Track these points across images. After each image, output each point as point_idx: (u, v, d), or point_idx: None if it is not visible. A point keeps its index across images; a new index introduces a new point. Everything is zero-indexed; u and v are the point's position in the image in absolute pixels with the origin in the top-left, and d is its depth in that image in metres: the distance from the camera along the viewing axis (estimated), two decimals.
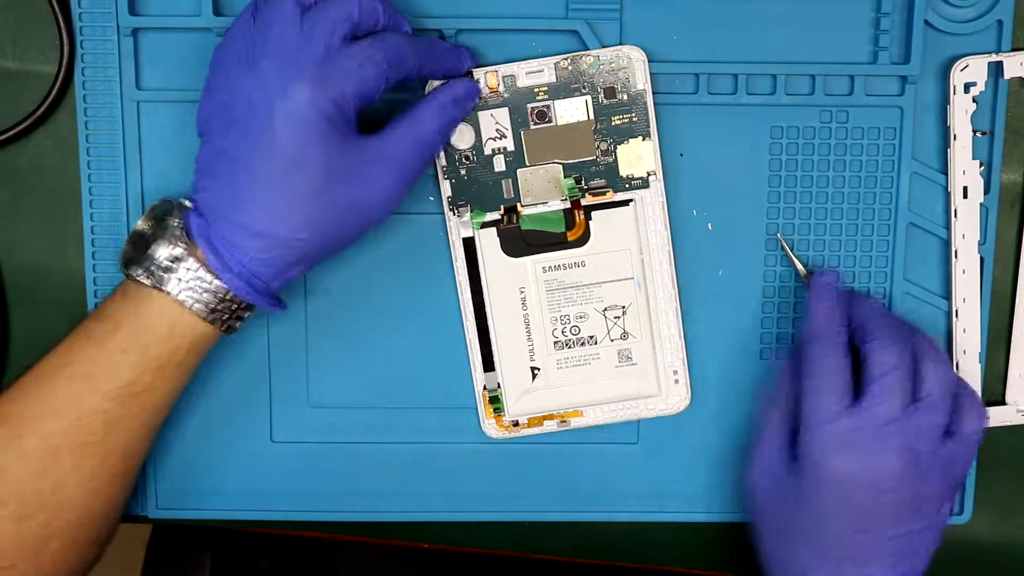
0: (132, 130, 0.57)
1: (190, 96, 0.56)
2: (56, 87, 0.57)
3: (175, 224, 0.52)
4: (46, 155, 0.58)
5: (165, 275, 0.51)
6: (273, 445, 0.60)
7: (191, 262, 0.51)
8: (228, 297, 0.52)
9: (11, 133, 0.57)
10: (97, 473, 0.53)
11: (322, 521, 0.61)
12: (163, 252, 0.52)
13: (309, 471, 0.60)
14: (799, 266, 0.58)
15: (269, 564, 0.73)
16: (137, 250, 0.53)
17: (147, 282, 0.52)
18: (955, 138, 0.58)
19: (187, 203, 0.53)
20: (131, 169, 0.58)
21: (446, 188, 0.57)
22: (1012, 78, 0.58)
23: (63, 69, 0.57)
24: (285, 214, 0.50)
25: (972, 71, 0.57)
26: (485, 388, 0.59)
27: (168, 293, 0.51)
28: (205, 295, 0.52)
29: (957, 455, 0.54)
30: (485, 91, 0.56)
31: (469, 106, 0.55)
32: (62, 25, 0.56)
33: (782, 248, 0.59)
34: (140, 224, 0.54)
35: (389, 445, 0.60)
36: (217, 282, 0.51)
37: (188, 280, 0.51)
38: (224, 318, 0.53)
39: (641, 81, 0.57)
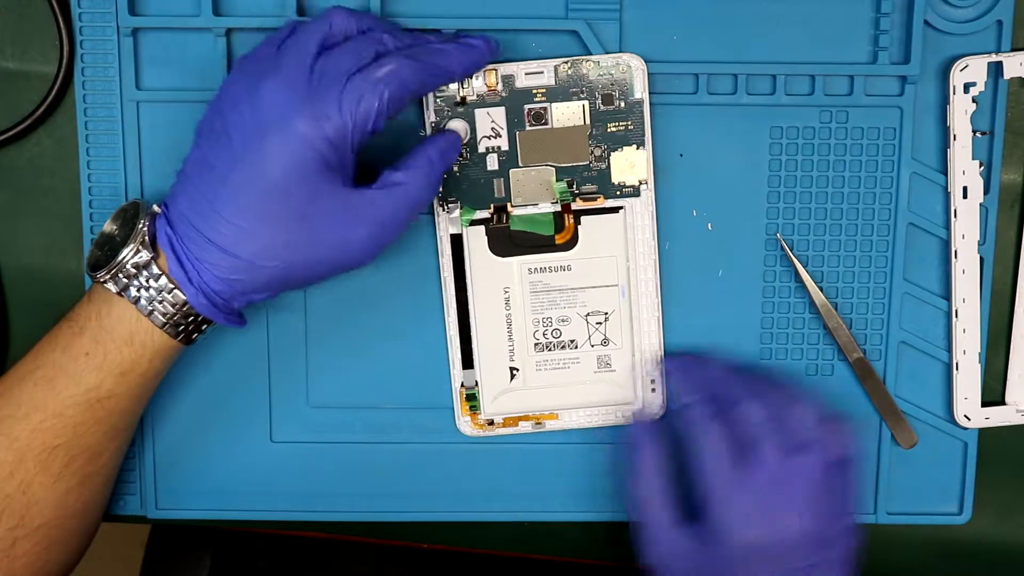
0: (132, 130, 0.57)
1: (190, 96, 0.56)
2: (56, 87, 0.57)
3: (143, 228, 0.52)
4: (46, 155, 0.58)
5: (128, 281, 0.51)
6: (272, 445, 0.60)
7: (154, 269, 0.51)
8: (187, 310, 0.51)
9: (11, 133, 0.57)
10: (64, 475, 0.53)
11: (321, 521, 0.61)
12: (129, 256, 0.51)
13: (308, 471, 0.60)
14: (799, 266, 0.58)
15: (268, 564, 0.73)
16: (103, 252, 0.53)
17: (112, 287, 0.52)
18: (955, 138, 0.58)
19: (156, 208, 0.52)
20: (131, 169, 0.58)
21: None
22: (1012, 78, 0.57)
23: (63, 69, 0.57)
24: (254, 238, 0.50)
25: (972, 71, 0.57)
26: (463, 385, 0.59)
27: (129, 299, 0.51)
28: (164, 305, 0.51)
29: (847, 484, 0.55)
30: (483, 89, 0.56)
31: (453, 156, 0.55)
32: (62, 25, 0.56)
33: (782, 248, 0.59)
34: (107, 226, 0.54)
35: (389, 445, 0.60)
36: (177, 293, 0.51)
37: (150, 288, 0.51)
38: (181, 330, 0.52)
39: (639, 90, 0.57)
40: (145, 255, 0.51)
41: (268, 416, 0.60)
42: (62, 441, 0.52)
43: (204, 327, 0.53)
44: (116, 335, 0.52)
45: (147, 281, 0.51)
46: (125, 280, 0.51)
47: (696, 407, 0.56)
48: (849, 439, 0.56)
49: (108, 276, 0.52)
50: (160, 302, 0.51)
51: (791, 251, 0.58)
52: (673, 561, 0.55)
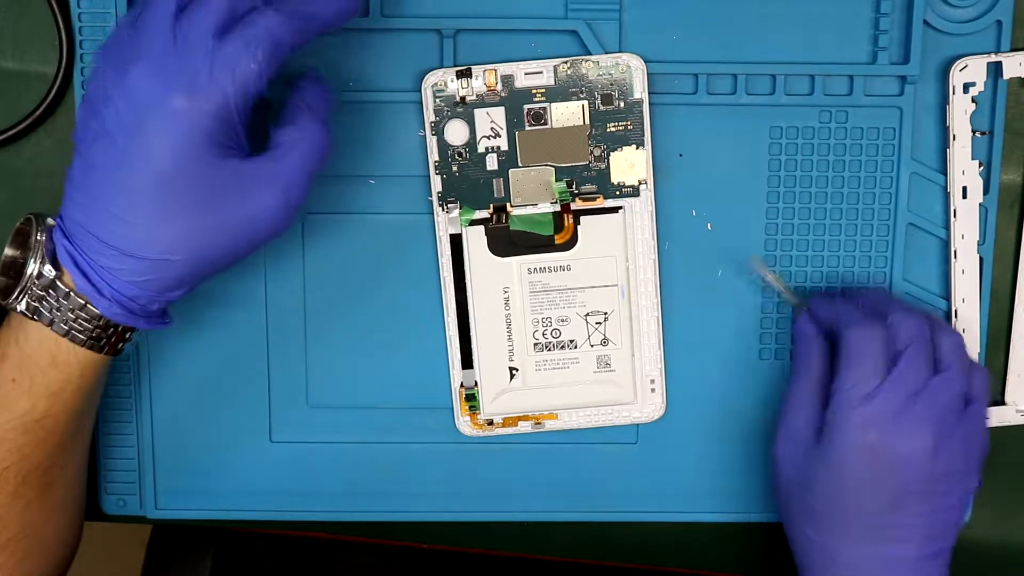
0: None
1: None
2: (56, 87, 0.57)
3: (40, 243, 0.49)
4: (46, 155, 0.58)
5: (39, 303, 0.49)
6: (272, 445, 0.60)
7: (62, 286, 0.49)
8: (105, 322, 0.49)
9: (11, 133, 0.57)
10: (21, 492, 0.51)
11: (322, 521, 0.61)
12: (34, 276, 0.49)
13: (308, 471, 0.60)
14: (771, 278, 0.58)
15: (270, 564, 0.73)
16: (10, 276, 0.50)
17: (23, 309, 0.49)
18: (954, 138, 0.58)
19: (51, 221, 0.50)
20: None
21: (436, 183, 0.57)
22: (1011, 78, 0.57)
23: (63, 69, 0.57)
24: (156, 235, 0.47)
25: (971, 71, 0.57)
26: (462, 385, 0.59)
27: (43, 322, 0.49)
28: (81, 321, 0.49)
29: (975, 423, 0.54)
30: (483, 89, 0.56)
31: (329, 92, 0.52)
32: (62, 25, 0.56)
33: (756, 270, 0.58)
34: (7, 249, 0.51)
35: (389, 445, 0.60)
36: (90, 307, 0.49)
37: (61, 307, 0.49)
38: (105, 343, 0.50)
39: (639, 90, 0.57)
40: (49, 271, 0.49)
41: (267, 416, 0.60)
42: (10, 463, 0.51)
43: (128, 335, 0.51)
44: (38, 359, 0.50)
45: (57, 300, 0.49)
46: (35, 303, 0.49)
47: (842, 310, 0.55)
48: (984, 381, 0.55)
49: (16, 300, 0.49)
50: (75, 320, 0.49)
51: (773, 275, 0.58)
52: (790, 463, 0.55)
